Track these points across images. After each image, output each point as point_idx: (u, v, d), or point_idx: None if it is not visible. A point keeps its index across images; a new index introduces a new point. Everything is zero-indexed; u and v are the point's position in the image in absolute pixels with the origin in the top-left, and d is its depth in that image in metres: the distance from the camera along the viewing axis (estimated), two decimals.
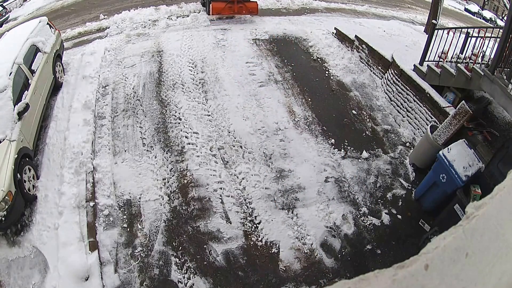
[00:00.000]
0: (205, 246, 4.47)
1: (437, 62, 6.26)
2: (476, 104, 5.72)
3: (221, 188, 5.15)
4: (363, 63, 8.27)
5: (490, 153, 4.77)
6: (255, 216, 4.83)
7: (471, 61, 5.69)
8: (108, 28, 10.01)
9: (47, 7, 13.27)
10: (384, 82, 7.45)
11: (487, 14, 27.26)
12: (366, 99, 7.21)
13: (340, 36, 9.31)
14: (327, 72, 8.00)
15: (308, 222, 4.77)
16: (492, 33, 5.81)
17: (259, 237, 4.60)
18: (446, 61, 6.11)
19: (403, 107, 6.73)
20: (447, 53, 6.13)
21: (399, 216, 5.00)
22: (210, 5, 9.68)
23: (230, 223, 4.72)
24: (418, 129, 6.34)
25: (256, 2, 10.08)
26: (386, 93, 7.24)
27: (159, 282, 4.10)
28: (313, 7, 12.57)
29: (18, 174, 4.56)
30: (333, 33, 9.63)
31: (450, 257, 0.57)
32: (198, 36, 9.07)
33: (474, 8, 26.72)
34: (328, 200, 5.08)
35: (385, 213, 5.02)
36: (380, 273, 0.54)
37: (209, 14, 10.16)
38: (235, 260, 4.35)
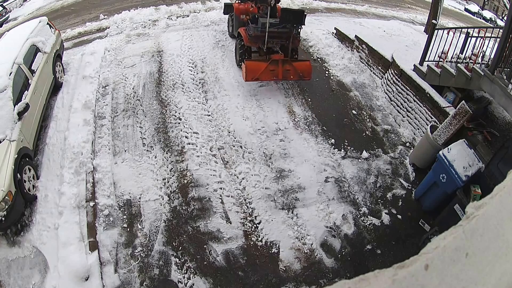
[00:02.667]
0: (205, 246, 4.47)
1: (437, 62, 6.26)
2: (476, 104, 5.72)
3: (221, 188, 5.15)
4: (363, 63, 8.27)
5: (490, 153, 4.77)
6: (255, 216, 4.83)
7: (471, 61, 5.69)
8: (108, 28, 10.01)
9: (47, 7, 13.26)
10: (384, 82, 7.45)
11: (487, 14, 27.24)
12: (366, 99, 7.21)
13: (340, 36, 9.31)
14: (327, 72, 8.00)
15: (308, 222, 4.77)
16: (492, 33, 5.81)
17: (259, 237, 4.60)
18: (446, 61, 6.11)
19: (403, 107, 6.73)
20: (447, 53, 6.13)
21: (399, 216, 5.00)
22: (244, 64, 6.55)
23: (230, 223, 4.72)
24: (418, 129, 6.34)
25: (309, 61, 6.99)
26: (386, 93, 7.24)
27: (159, 282, 4.10)
28: (313, 7, 12.57)
29: (18, 174, 4.56)
30: (333, 33, 9.62)
31: (450, 257, 0.57)
32: (198, 36, 9.07)
33: (474, 8, 26.69)
34: (328, 200, 5.08)
35: (385, 213, 5.02)
36: (380, 273, 0.54)
37: (238, 65, 7.60)
38: (235, 260, 4.35)
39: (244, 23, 7.59)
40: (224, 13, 8.83)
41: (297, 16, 6.38)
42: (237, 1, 8.24)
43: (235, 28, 8.23)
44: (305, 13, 6.49)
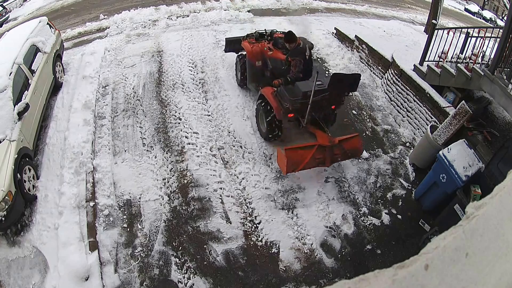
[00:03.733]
0: (205, 246, 4.47)
1: (437, 62, 6.26)
2: (476, 104, 5.72)
3: (221, 188, 5.16)
4: (363, 63, 8.27)
5: (490, 153, 4.77)
6: (255, 216, 4.83)
7: (471, 61, 5.69)
8: (108, 28, 10.01)
9: (47, 7, 13.26)
10: (384, 82, 7.45)
11: (487, 14, 27.25)
12: (366, 99, 7.21)
13: (340, 36, 9.31)
14: (327, 72, 7.99)
15: (308, 222, 4.77)
16: (492, 33, 5.81)
17: (259, 237, 4.60)
18: (446, 61, 6.11)
19: (403, 107, 6.72)
20: (447, 53, 6.13)
21: (399, 216, 5.00)
22: (283, 154, 4.76)
23: (230, 223, 4.72)
24: (418, 129, 6.34)
25: (358, 135, 5.32)
26: (386, 93, 7.24)
27: (159, 282, 4.10)
28: (313, 7, 12.56)
29: (18, 174, 4.56)
30: (333, 33, 9.62)
31: (450, 257, 0.57)
32: (198, 36, 9.07)
33: (474, 8, 26.70)
34: (328, 200, 5.08)
35: (385, 213, 5.02)
36: (380, 273, 0.54)
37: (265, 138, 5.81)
38: (235, 260, 4.35)
39: (260, 70, 6.05)
40: (226, 50, 7.11)
41: (351, 82, 4.89)
42: (245, 38, 6.47)
43: (249, 78, 6.38)
44: (360, 77, 5.05)
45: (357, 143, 5.20)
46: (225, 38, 7.08)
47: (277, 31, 6.64)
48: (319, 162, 4.97)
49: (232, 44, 6.89)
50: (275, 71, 5.68)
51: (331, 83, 4.72)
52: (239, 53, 6.81)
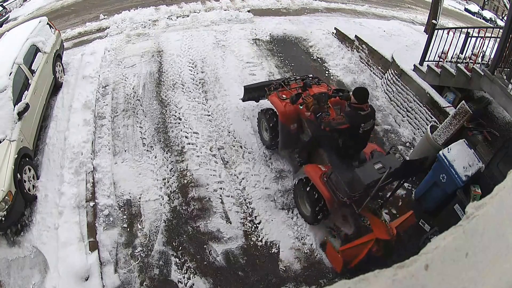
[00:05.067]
0: (205, 246, 4.47)
1: (437, 62, 6.26)
2: (476, 104, 5.72)
3: (221, 188, 5.15)
4: (363, 63, 8.27)
5: (490, 153, 4.77)
6: (255, 216, 4.82)
7: (471, 61, 5.69)
8: (108, 28, 10.01)
9: (47, 7, 13.27)
10: (384, 82, 7.45)
11: (487, 14, 27.25)
12: None
13: (340, 36, 9.31)
14: (327, 72, 8.00)
15: None
16: (492, 33, 5.81)
17: (259, 237, 4.60)
18: (446, 61, 6.11)
19: (403, 107, 6.72)
20: (447, 53, 6.13)
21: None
22: (337, 254, 4.12)
23: (230, 223, 4.72)
24: (418, 129, 6.34)
25: (412, 213, 4.48)
26: (386, 93, 7.24)
27: (159, 282, 4.10)
28: (313, 7, 12.56)
29: (18, 174, 4.56)
30: (333, 33, 9.62)
31: (450, 257, 0.57)
32: (198, 36, 9.07)
33: (474, 8, 26.69)
34: None
35: (385, 213, 5.01)
36: (380, 273, 0.54)
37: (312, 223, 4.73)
38: (235, 260, 4.35)
39: (294, 133, 5.01)
40: (244, 100, 6.11)
41: (419, 167, 4.15)
42: (271, 88, 5.38)
43: (282, 144, 5.22)
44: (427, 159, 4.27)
45: (412, 221, 4.49)
46: (244, 86, 6.07)
47: (311, 81, 5.28)
48: (375, 253, 4.20)
49: (252, 93, 5.98)
50: (316, 136, 4.61)
51: (399, 171, 3.79)
52: (263, 105, 5.98)
